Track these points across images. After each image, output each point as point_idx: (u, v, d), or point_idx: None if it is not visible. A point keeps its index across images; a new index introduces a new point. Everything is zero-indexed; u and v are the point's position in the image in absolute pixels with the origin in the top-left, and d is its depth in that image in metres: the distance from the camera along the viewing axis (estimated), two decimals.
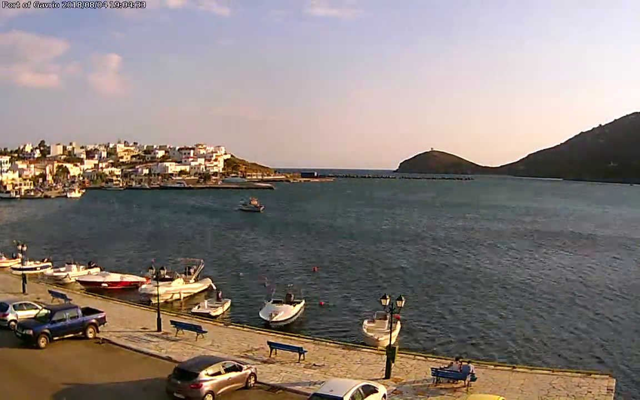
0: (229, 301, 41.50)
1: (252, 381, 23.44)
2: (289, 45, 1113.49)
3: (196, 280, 46.02)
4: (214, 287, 45.77)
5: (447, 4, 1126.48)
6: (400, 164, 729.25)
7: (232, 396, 22.26)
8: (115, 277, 47.12)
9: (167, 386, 21.54)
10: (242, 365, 23.72)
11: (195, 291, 45.08)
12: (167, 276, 43.23)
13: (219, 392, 21.81)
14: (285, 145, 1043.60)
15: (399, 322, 33.72)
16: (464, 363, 24.22)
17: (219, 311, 39.05)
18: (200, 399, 21.00)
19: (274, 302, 38.14)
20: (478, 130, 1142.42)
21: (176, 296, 43.15)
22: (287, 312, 36.44)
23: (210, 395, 21.39)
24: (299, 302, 38.62)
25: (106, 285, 44.94)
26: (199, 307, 39.32)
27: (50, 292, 40.07)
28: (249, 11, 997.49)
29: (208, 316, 36.78)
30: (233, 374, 22.65)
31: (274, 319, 34.97)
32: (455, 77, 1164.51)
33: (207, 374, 21.58)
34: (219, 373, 22.08)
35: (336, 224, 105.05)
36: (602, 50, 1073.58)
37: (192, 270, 46.43)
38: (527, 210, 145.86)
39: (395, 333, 31.57)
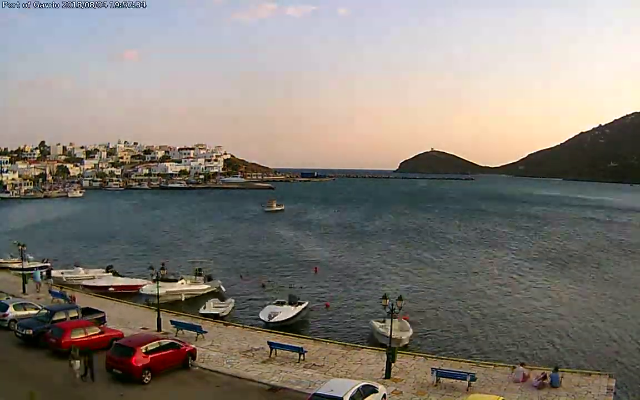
0: (233, 301, 41.43)
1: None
2: (290, 45, 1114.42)
3: (205, 282, 45.90)
4: (223, 289, 45.74)
5: (447, 3, 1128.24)
6: (400, 164, 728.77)
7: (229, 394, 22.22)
8: (121, 280, 46.42)
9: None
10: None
11: (202, 292, 44.83)
12: (171, 277, 43.15)
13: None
14: (286, 146, 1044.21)
15: (407, 323, 34.36)
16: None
17: (224, 311, 38.92)
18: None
19: (277, 302, 38.29)
20: (478, 130, 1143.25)
21: (181, 297, 43.02)
22: (285, 312, 36.47)
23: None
24: (301, 304, 38.66)
25: (112, 289, 44.26)
26: (205, 307, 39.27)
27: (50, 292, 40.10)
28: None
29: (212, 316, 36.74)
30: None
31: (272, 320, 35.07)
32: (455, 76, 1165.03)
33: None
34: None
35: (335, 224, 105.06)
36: (602, 50, 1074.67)
37: (201, 272, 46.31)
38: None
39: (406, 334, 32.30)
